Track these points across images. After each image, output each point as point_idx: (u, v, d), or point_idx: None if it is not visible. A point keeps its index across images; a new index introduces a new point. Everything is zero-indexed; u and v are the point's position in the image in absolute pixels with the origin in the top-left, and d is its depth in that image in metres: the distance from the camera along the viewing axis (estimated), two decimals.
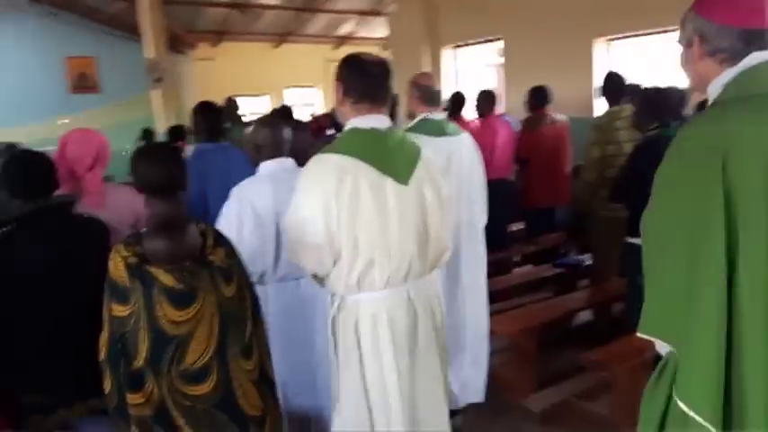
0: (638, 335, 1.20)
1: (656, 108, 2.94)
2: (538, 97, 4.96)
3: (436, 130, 2.84)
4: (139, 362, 1.49)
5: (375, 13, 12.04)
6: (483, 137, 4.39)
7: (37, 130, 10.95)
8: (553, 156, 4.97)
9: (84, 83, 12.00)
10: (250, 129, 2.42)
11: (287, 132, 2.39)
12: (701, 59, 1.21)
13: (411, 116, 2.95)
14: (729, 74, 1.17)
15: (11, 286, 1.88)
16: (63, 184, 2.24)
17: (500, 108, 7.18)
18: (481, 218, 3.05)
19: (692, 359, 1.08)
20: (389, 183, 1.73)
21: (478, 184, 3.01)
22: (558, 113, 5.03)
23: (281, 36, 13.22)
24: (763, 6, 1.11)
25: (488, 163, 3.43)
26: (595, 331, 4.10)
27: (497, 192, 3.68)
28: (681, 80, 2.07)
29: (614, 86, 4.18)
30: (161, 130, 8.48)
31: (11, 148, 5.18)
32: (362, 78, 1.78)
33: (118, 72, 10.48)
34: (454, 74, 8.68)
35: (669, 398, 1.13)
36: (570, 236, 5.00)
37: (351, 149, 1.73)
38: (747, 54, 1.14)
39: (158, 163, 1.62)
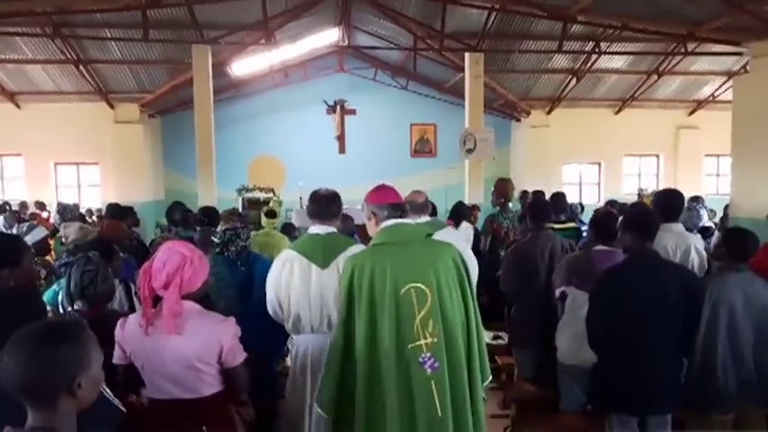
0: None
1: None
2: None
3: None
4: None
5: (742, 72, 9.98)
6: None
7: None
8: None
9: (423, 147, 13.00)
10: None
11: None
12: (377, 227, 2.35)
13: None
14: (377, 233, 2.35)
15: None
16: (144, 301, 1.98)
17: None
18: None
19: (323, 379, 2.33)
20: (313, 267, 2.64)
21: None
22: None
23: (624, 101, 12.02)
24: (398, 193, 2.41)
25: None
26: None
27: None
28: None
29: None
30: (466, 199, 8.55)
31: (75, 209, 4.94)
32: (314, 205, 2.74)
33: (452, 138, 10.81)
34: None
35: None
36: None
37: (296, 247, 2.74)
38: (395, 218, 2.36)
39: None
